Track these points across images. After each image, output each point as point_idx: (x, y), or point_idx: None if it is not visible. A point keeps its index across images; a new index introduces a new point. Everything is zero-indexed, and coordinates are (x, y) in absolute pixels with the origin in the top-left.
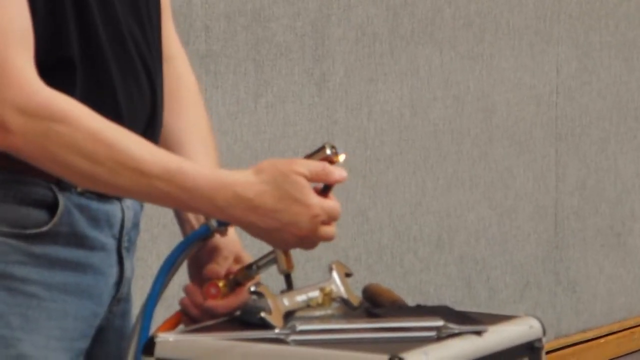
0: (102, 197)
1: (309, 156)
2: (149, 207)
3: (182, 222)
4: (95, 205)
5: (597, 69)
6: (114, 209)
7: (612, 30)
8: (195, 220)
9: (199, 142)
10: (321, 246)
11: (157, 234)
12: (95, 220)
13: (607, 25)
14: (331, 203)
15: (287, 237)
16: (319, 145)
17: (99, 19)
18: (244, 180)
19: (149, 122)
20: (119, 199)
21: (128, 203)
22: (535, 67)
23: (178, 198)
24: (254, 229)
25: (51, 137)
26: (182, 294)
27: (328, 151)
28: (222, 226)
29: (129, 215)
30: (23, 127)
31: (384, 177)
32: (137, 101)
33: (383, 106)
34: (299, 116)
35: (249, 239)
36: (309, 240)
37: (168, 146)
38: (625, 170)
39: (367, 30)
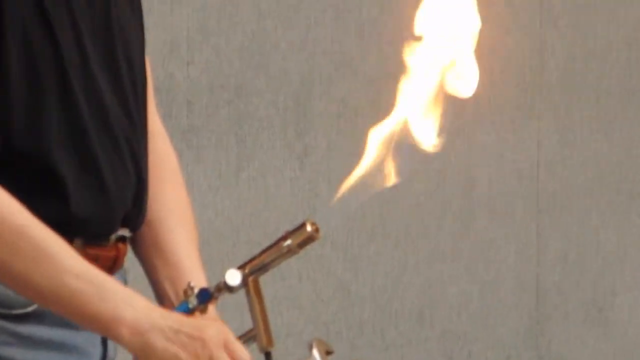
0: None
1: (290, 233)
2: (132, 283)
3: (160, 298)
4: None
5: (578, 143)
6: None
7: (593, 104)
8: (174, 297)
9: (178, 220)
10: (302, 320)
11: None
12: None
13: (588, 99)
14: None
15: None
16: (300, 220)
17: (85, 105)
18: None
19: (135, 202)
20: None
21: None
22: (516, 141)
23: (87, 294)
24: (151, 334)
25: None
26: None
27: (309, 228)
28: (202, 304)
29: None
30: None
31: (365, 251)
32: (124, 182)
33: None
34: (280, 190)
35: (229, 312)
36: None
37: (147, 223)
38: (606, 244)
39: (349, 104)
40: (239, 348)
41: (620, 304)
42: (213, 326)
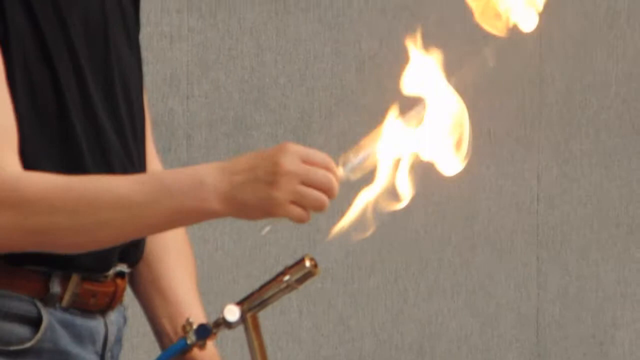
0: (86, 313)
1: (289, 268)
2: (131, 319)
3: (159, 335)
4: (79, 321)
5: (577, 176)
6: (97, 325)
7: (593, 138)
8: (173, 333)
9: (176, 257)
10: (302, 355)
11: (137, 343)
12: (78, 336)
13: (588, 133)
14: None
15: (269, 189)
16: (300, 254)
17: (86, 145)
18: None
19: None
20: (102, 314)
21: (112, 318)
22: (516, 175)
23: (164, 199)
24: (240, 192)
25: (23, 209)
26: None
27: (307, 264)
28: (201, 339)
29: (112, 331)
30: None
31: (365, 285)
32: None
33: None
34: (280, 223)
35: (228, 348)
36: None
37: (145, 261)
38: (606, 278)
39: (348, 138)
40: (314, 153)
41: (621, 338)
42: (282, 152)
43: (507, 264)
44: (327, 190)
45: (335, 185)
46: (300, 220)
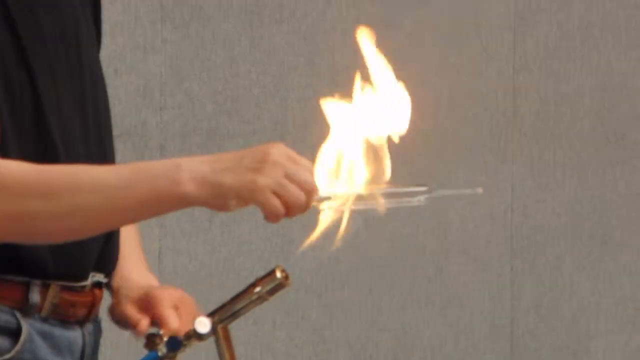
0: (65, 324)
1: (260, 280)
2: (107, 330)
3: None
4: (57, 332)
5: (551, 187)
6: (75, 335)
7: (566, 149)
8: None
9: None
10: None
11: (110, 356)
12: (57, 347)
13: (561, 144)
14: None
15: (251, 168)
16: (274, 265)
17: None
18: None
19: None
20: (81, 325)
21: (90, 329)
22: (490, 185)
23: (138, 183)
24: (221, 176)
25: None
26: None
27: (278, 275)
28: (172, 351)
29: (89, 342)
30: None
31: (339, 296)
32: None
33: None
34: (254, 235)
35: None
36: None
37: None
38: (580, 288)
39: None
40: (301, 158)
41: (595, 349)
42: (272, 145)
43: (481, 274)
44: (307, 192)
45: (315, 190)
46: (274, 214)
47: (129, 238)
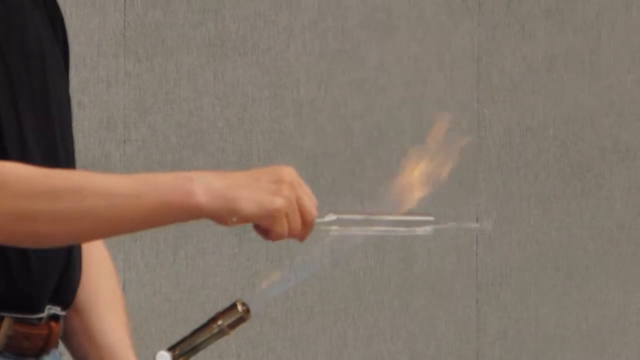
0: (20, 357)
1: (221, 313)
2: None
3: None
4: None
5: (516, 219)
6: None
7: (531, 181)
8: None
9: (108, 302)
10: None
11: None
12: None
13: (526, 176)
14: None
15: (263, 186)
16: (237, 296)
17: None
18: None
19: (64, 274)
20: (37, 358)
21: None
22: (455, 217)
23: (144, 192)
24: (234, 190)
25: (3, 191)
26: None
27: (239, 309)
28: None
29: None
30: None
31: (304, 328)
32: (51, 254)
33: (304, 256)
34: (219, 267)
35: None
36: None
37: (76, 310)
38: (545, 320)
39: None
40: (305, 185)
41: None
42: (284, 168)
43: (447, 306)
44: (306, 222)
45: (314, 220)
46: (280, 236)
47: (120, 317)
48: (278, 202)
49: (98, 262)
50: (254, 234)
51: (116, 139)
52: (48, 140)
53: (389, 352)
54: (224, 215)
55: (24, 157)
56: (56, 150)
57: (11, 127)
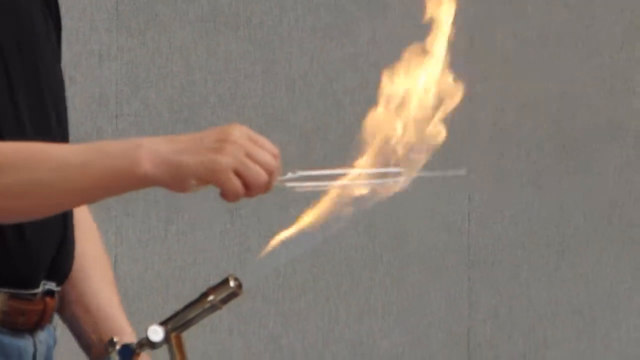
0: (15, 332)
1: (213, 288)
2: (61, 337)
3: (87, 348)
4: (7, 340)
5: (508, 196)
6: (25, 344)
7: (524, 158)
8: (98, 342)
9: (99, 271)
10: None
11: None
12: (6, 355)
13: (519, 153)
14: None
15: (210, 146)
16: (229, 272)
17: None
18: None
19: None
20: (31, 333)
21: (41, 337)
22: (447, 195)
23: (96, 161)
24: (180, 155)
25: None
26: None
27: (231, 284)
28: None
29: (41, 350)
30: None
31: (296, 305)
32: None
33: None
34: (210, 243)
35: None
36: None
37: (68, 281)
38: (538, 297)
39: (279, 157)
40: (264, 139)
41: (552, 358)
42: (233, 126)
43: (438, 283)
44: (269, 172)
45: (277, 170)
46: (234, 193)
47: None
48: (222, 160)
49: (86, 232)
50: (245, 210)
51: (108, 113)
52: (42, 116)
53: (380, 328)
54: (171, 182)
55: (18, 133)
56: (49, 126)
57: (4, 103)
